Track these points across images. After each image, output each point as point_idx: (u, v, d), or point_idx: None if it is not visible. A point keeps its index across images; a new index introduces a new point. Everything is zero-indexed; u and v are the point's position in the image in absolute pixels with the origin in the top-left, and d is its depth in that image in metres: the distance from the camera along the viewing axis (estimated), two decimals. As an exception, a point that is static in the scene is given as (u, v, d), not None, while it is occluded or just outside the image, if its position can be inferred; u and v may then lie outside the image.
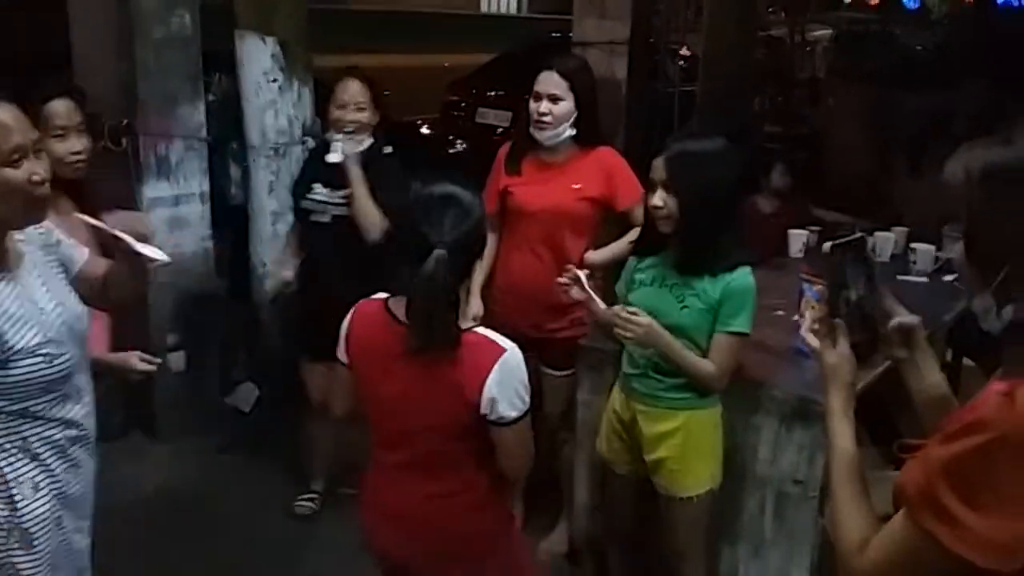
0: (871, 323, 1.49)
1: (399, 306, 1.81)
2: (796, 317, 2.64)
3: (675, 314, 2.26)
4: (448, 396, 1.78)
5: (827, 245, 1.45)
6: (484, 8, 23.85)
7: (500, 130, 8.41)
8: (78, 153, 2.51)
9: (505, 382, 1.76)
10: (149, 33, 3.69)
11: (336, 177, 3.04)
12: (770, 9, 11.76)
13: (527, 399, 1.81)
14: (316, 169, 3.16)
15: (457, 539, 1.92)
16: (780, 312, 2.93)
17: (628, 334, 2.22)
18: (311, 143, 4.14)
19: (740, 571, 2.58)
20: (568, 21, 6.96)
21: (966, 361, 3.83)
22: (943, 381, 1.53)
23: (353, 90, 3.08)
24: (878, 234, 3.79)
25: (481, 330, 1.81)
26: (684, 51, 8.21)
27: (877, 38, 9.85)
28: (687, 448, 2.34)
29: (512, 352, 1.78)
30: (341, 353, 1.93)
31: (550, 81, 2.80)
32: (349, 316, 1.92)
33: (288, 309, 3.77)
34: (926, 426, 1.50)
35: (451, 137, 7.55)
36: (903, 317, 1.51)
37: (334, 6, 13.62)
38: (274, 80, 3.98)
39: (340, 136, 3.03)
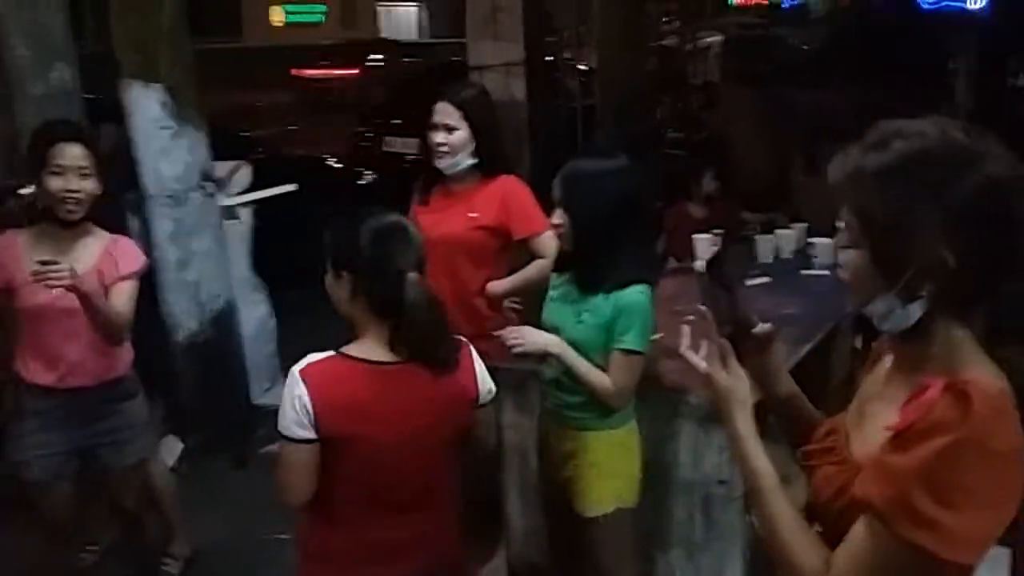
0: (742, 333, 1.47)
1: (375, 349, 1.79)
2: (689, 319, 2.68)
3: (572, 328, 2.29)
4: (457, 404, 1.88)
5: (698, 264, 1.44)
6: (384, 35, 23.85)
7: (410, 157, 8.40)
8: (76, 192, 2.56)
9: (483, 365, 1.94)
10: (28, 90, 3.58)
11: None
12: (665, 20, 12.04)
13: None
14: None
15: (453, 556, 2.00)
16: (690, 318, 2.98)
17: (516, 345, 2.30)
18: (209, 187, 4.07)
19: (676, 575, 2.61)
20: (464, 45, 7.03)
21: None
22: (791, 380, 1.55)
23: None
24: (779, 231, 3.90)
25: None
26: (582, 66, 8.36)
27: (763, 41, 10.18)
28: (588, 467, 2.33)
29: (466, 341, 1.94)
30: (302, 430, 1.75)
31: (444, 111, 2.80)
32: (303, 387, 1.74)
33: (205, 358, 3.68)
34: (780, 422, 1.52)
35: (359, 169, 7.49)
36: (763, 327, 1.50)
37: (226, 44, 13.44)
38: (165, 127, 3.89)
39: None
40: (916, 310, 1.17)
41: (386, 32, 25.34)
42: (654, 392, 2.56)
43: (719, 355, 1.37)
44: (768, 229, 3.99)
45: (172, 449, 4.13)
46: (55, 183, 2.55)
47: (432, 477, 1.91)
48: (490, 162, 2.87)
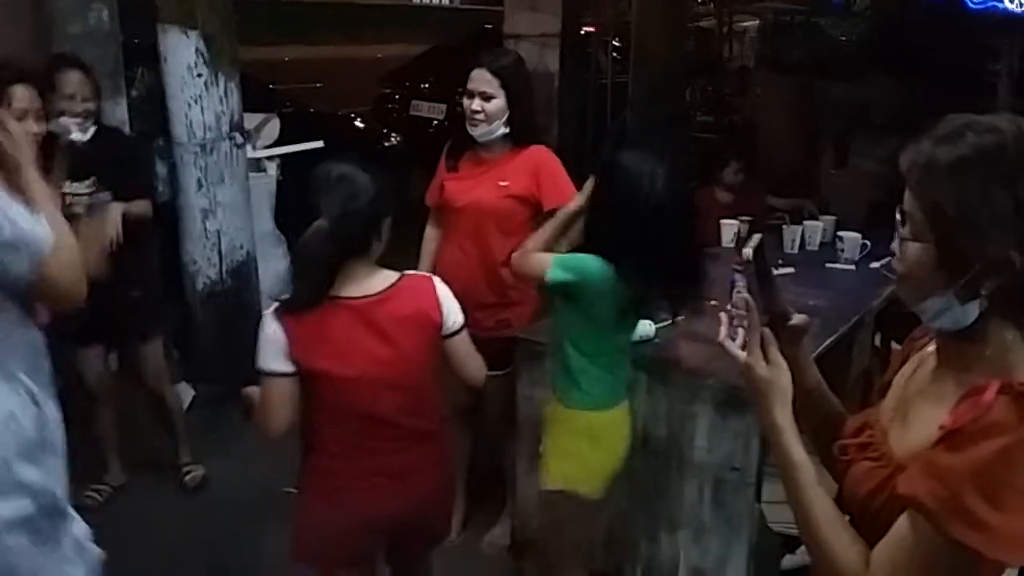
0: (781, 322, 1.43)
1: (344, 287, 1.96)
2: (728, 307, 2.67)
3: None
4: (419, 327, 2.02)
5: (746, 251, 1.36)
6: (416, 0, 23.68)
7: (434, 123, 8.37)
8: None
9: (448, 298, 2.07)
10: (66, 28, 3.57)
11: (79, 168, 2.99)
12: (700, 1, 11.90)
13: (461, 311, 2.10)
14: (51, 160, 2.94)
15: (438, 481, 2.17)
16: (714, 302, 2.97)
17: None
18: (239, 139, 4.07)
19: (681, 557, 2.61)
20: (500, 13, 6.96)
21: (895, 345, 3.94)
22: (818, 372, 1.53)
23: (76, 80, 3.01)
24: (807, 223, 3.87)
25: (407, 272, 2.08)
26: (616, 42, 8.28)
27: (802, 28, 10.04)
28: (546, 440, 2.36)
29: (434, 277, 2.11)
30: (276, 363, 1.93)
31: (482, 79, 2.78)
32: (278, 325, 1.92)
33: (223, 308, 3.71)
34: (803, 413, 1.46)
35: (385, 130, 7.48)
36: (798, 318, 1.47)
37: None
38: (199, 75, 3.88)
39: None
40: (974, 309, 1.15)
41: (419, -4, 25.16)
42: (673, 375, 2.56)
43: (760, 345, 1.34)
44: (796, 219, 3.95)
45: (183, 395, 4.17)
46: None
47: (412, 408, 2.06)
48: (522, 132, 2.85)
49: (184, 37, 3.84)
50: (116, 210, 2.98)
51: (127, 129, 3.80)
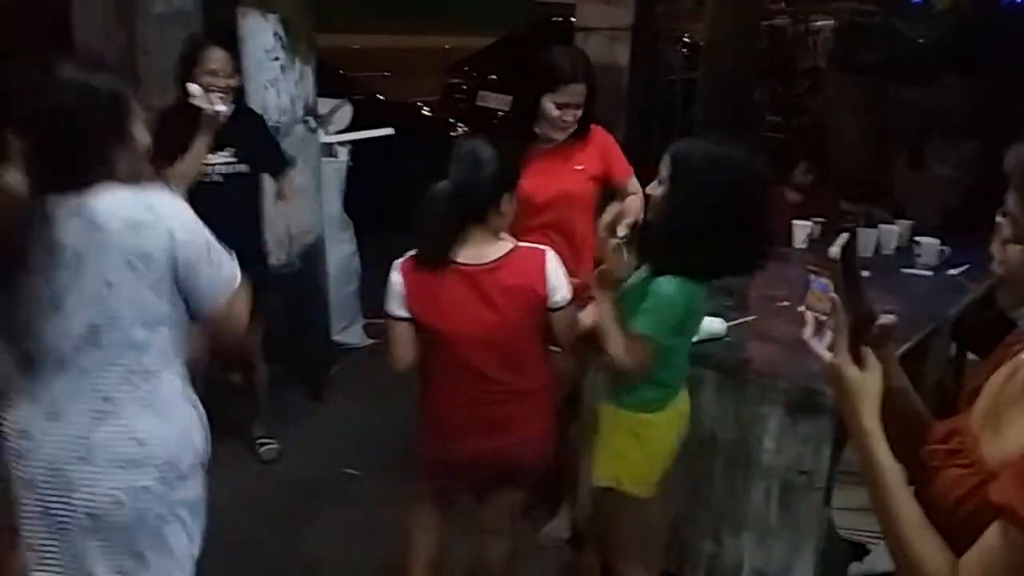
0: (869, 324, 1.38)
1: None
2: (801, 308, 2.62)
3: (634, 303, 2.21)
4: (524, 298, 2.19)
5: (834, 250, 1.31)
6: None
7: (500, 114, 8.37)
8: None
9: (556, 273, 2.21)
10: (150, 8, 3.65)
11: (223, 136, 3.19)
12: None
13: (570, 285, 2.25)
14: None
15: (540, 422, 2.34)
16: (785, 303, 2.92)
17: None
18: (312, 123, 4.12)
19: (744, 559, 2.58)
20: (568, 5, 6.94)
21: (970, 356, 3.84)
22: (904, 376, 1.48)
23: (220, 57, 3.21)
24: (882, 227, 3.79)
25: (521, 243, 2.25)
26: (686, 39, 8.19)
27: (878, 30, 9.81)
28: (597, 436, 2.34)
29: (550, 250, 2.25)
30: (397, 309, 2.21)
31: (577, 91, 2.80)
32: (400, 276, 2.20)
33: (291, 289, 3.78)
34: (887, 417, 1.46)
35: (451, 120, 7.51)
36: (886, 318, 1.42)
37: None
38: (276, 58, 3.93)
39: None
40: None
41: (487, -13, 25.19)
42: (743, 374, 2.52)
43: (849, 346, 1.30)
44: (869, 223, 3.87)
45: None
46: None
47: (512, 368, 2.25)
48: (586, 121, 2.91)
49: (263, 20, 3.89)
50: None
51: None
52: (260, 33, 3.89)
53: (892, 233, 3.77)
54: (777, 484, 2.48)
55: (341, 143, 4.63)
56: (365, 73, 9.43)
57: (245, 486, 3.41)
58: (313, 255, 4.23)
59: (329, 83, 4.92)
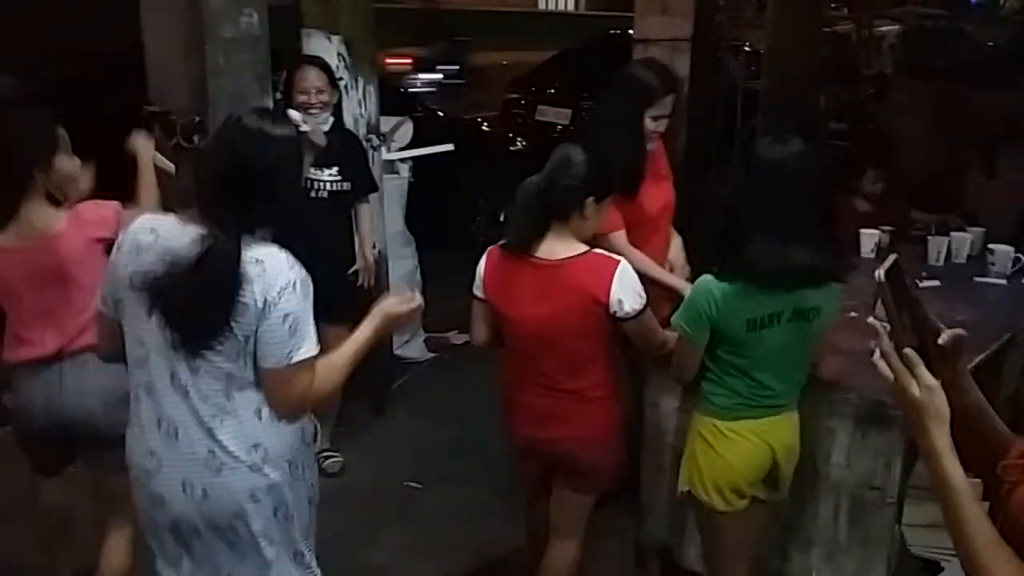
0: (936, 333, 1.34)
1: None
2: (870, 319, 2.57)
3: None
4: (580, 300, 2.28)
5: (879, 274, 1.27)
6: (541, 6, 23.82)
7: (559, 127, 8.39)
8: None
9: (624, 285, 2.28)
10: (219, 33, 3.73)
11: (321, 156, 3.37)
12: (833, 6, 11.51)
13: (644, 296, 2.33)
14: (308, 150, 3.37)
15: (593, 426, 2.42)
16: (853, 314, 2.86)
17: None
18: (375, 140, 4.18)
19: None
20: (625, 18, 6.91)
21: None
22: (978, 391, 1.42)
23: (313, 76, 3.39)
24: (954, 234, 3.69)
25: (597, 250, 2.34)
26: (746, 48, 8.10)
27: (946, 34, 9.59)
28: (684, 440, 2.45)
29: (624, 262, 2.33)
30: (477, 290, 2.43)
31: (668, 103, 2.93)
32: (485, 260, 2.42)
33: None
34: (963, 434, 1.41)
35: (511, 135, 7.54)
36: (953, 332, 1.36)
37: (395, 5, 13.77)
38: (340, 78, 4.00)
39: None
40: None
41: (543, 2, 25.28)
42: (811, 386, 2.48)
43: (909, 367, 1.26)
44: (942, 231, 3.76)
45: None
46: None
47: (566, 367, 2.36)
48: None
49: (327, 42, 3.97)
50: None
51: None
52: (324, 54, 3.97)
53: (964, 241, 3.66)
54: (847, 499, 2.43)
55: (403, 160, 4.70)
56: (426, 89, 9.54)
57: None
58: (376, 270, 4.28)
59: (392, 101, 5.00)
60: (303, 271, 1.88)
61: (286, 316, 1.83)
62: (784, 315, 2.21)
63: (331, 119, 3.46)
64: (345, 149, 3.53)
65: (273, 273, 1.83)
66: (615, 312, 2.28)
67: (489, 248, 2.46)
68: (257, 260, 1.82)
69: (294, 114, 3.18)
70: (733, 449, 2.29)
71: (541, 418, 2.42)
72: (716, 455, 2.30)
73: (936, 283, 3.31)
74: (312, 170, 3.37)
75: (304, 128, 3.17)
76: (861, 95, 8.63)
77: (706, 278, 2.25)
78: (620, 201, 2.84)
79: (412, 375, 4.63)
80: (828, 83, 7.80)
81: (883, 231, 3.69)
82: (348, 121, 4.05)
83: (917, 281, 3.24)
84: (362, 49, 4.04)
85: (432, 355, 4.86)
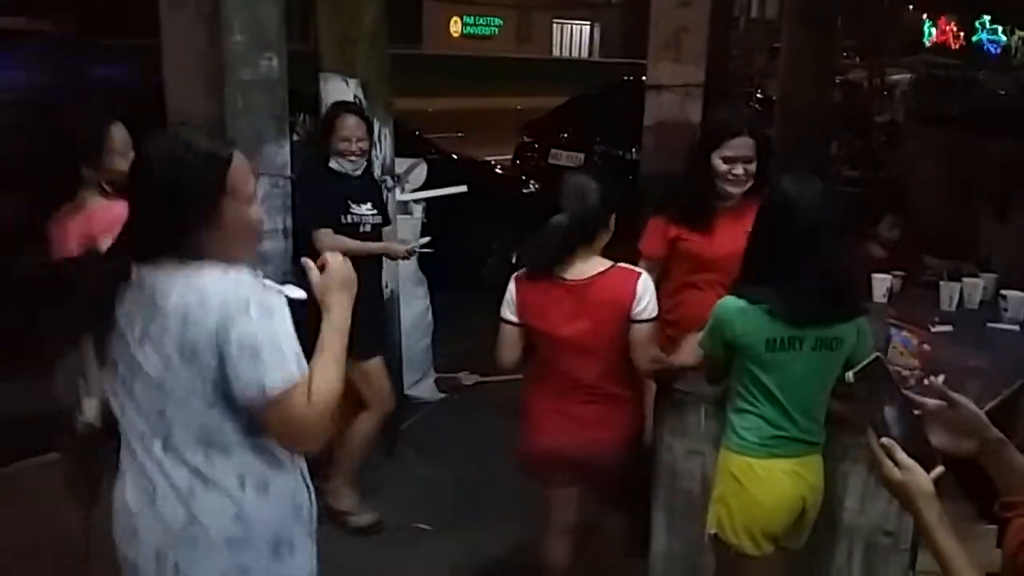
0: (918, 435, 1.37)
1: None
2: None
3: None
4: (612, 311, 2.50)
5: (850, 375, 1.35)
6: (555, 52, 24.16)
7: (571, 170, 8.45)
8: None
9: (647, 292, 2.50)
10: (238, 75, 3.80)
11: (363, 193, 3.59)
12: (844, 54, 11.63)
13: (656, 309, 2.53)
14: (347, 189, 3.56)
15: (628, 425, 2.62)
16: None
17: None
18: (389, 181, 4.23)
19: (826, 624, 2.49)
20: (637, 64, 7.01)
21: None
22: (994, 429, 1.43)
23: (353, 124, 3.55)
24: (967, 280, 3.68)
25: (620, 264, 2.54)
26: (759, 95, 8.18)
27: (958, 82, 9.67)
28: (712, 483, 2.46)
29: (644, 273, 2.56)
30: (509, 314, 2.58)
31: (746, 144, 2.91)
32: (515, 286, 2.58)
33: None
34: (990, 471, 1.41)
35: (524, 177, 7.61)
36: (930, 402, 1.42)
37: (410, 51, 13.99)
38: (357, 120, 4.07)
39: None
40: None
41: (558, 48, 25.65)
42: (826, 429, 2.46)
43: (888, 453, 1.32)
44: (954, 276, 3.76)
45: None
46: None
47: (601, 372, 2.55)
48: (758, 183, 2.97)
49: (343, 85, 4.04)
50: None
51: (288, 171, 3.99)
52: (340, 96, 4.04)
53: (977, 287, 3.66)
54: (860, 544, 2.40)
55: (416, 201, 4.74)
56: (441, 134, 9.65)
57: (317, 539, 3.44)
58: (388, 310, 4.30)
59: (406, 144, 5.06)
60: (264, 291, 1.64)
61: (242, 343, 1.57)
62: (806, 342, 2.25)
63: (364, 164, 3.63)
64: (371, 185, 3.74)
65: (218, 299, 1.59)
66: (635, 315, 2.49)
67: (514, 276, 2.61)
68: (200, 292, 1.60)
69: (341, 161, 3.51)
70: (767, 489, 2.29)
71: (585, 424, 2.57)
72: (749, 496, 2.29)
73: (948, 328, 3.29)
74: (352, 206, 3.55)
75: (350, 171, 3.52)
76: (873, 142, 8.69)
77: (728, 298, 2.34)
78: (686, 235, 3.00)
79: (422, 416, 4.61)
80: (840, 130, 7.86)
81: (895, 276, 3.69)
82: (364, 162, 4.11)
83: (930, 326, 3.23)
84: (378, 92, 4.10)
85: (443, 395, 4.85)
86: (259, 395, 1.59)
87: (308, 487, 1.83)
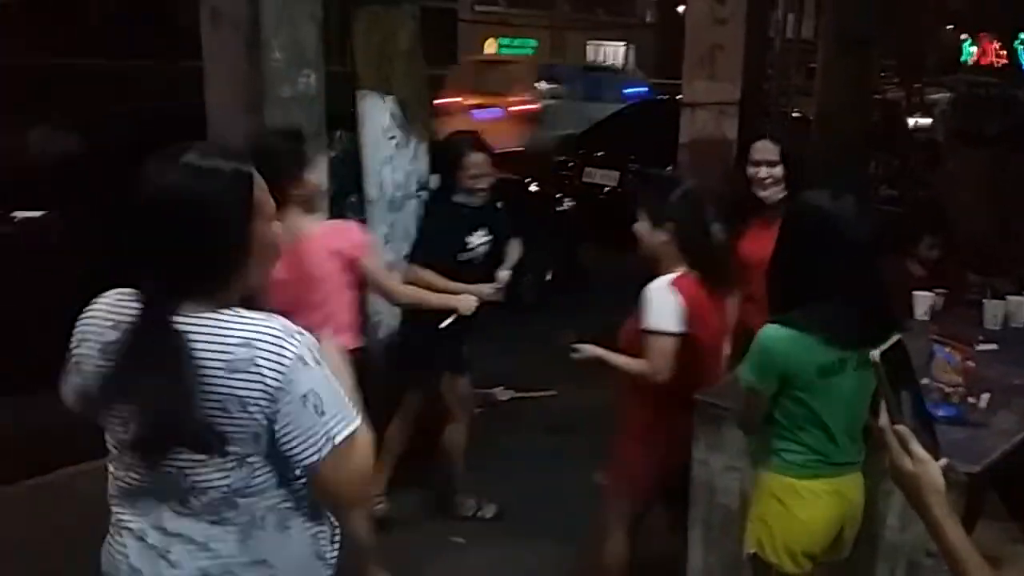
0: (928, 424, 1.35)
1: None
2: (924, 380, 2.53)
3: None
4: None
5: (875, 353, 1.29)
6: (589, 72, 24.12)
7: (606, 189, 8.45)
8: None
9: None
10: (277, 92, 3.86)
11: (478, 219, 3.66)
12: (883, 74, 11.54)
13: None
14: (467, 221, 3.64)
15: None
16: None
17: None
18: (425, 196, 4.26)
19: (867, 646, 2.43)
20: (672, 84, 7.02)
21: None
22: None
23: (479, 160, 3.62)
24: (1011, 298, 3.62)
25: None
26: (795, 114, 8.14)
27: (998, 101, 9.54)
28: (750, 501, 2.40)
29: None
30: (674, 325, 2.55)
31: (767, 148, 3.15)
32: (680, 295, 2.56)
33: (401, 357, 3.88)
34: None
35: (558, 195, 7.62)
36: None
37: (443, 72, 14.14)
38: (392, 137, 4.11)
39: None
40: None
41: (592, 69, 25.66)
42: (868, 447, 2.42)
43: (902, 442, 1.29)
44: (996, 294, 3.70)
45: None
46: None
47: (713, 376, 2.70)
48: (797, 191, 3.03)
49: (380, 102, 4.09)
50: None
51: (324, 186, 4.03)
52: (378, 113, 4.09)
53: (1021, 305, 3.59)
54: (904, 564, 2.35)
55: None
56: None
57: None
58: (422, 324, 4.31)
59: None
60: (306, 336, 1.48)
61: (305, 397, 1.43)
62: (850, 362, 2.19)
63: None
64: (492, 217, 3.75)
65: (272, 352, 1.43)
66: None
67: (674, 280, 2.59)
68: (245, 341, 1.43)
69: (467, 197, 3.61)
70: (809, 509, 2.24)
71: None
72: (791, 516, 2.24)
73: (994, 347, 3.24)
74: (468, 239, 3.61)
75: (474, 204, 3.61)
76: (912, 161, 8.60)
77: (772, 327, 2.20)
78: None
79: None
80: (878, 149, 7.79)
81: (937, 294, 3.63)
82: (399, 178, 4.14)
83: (974, 344, 3.17)
84: (414, 110, 4.14)
85: (479, 411, 4.84)
86: (325, 448, 1.46)
87: (331, 543, 1.67)
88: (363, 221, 4.23)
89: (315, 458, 1.46)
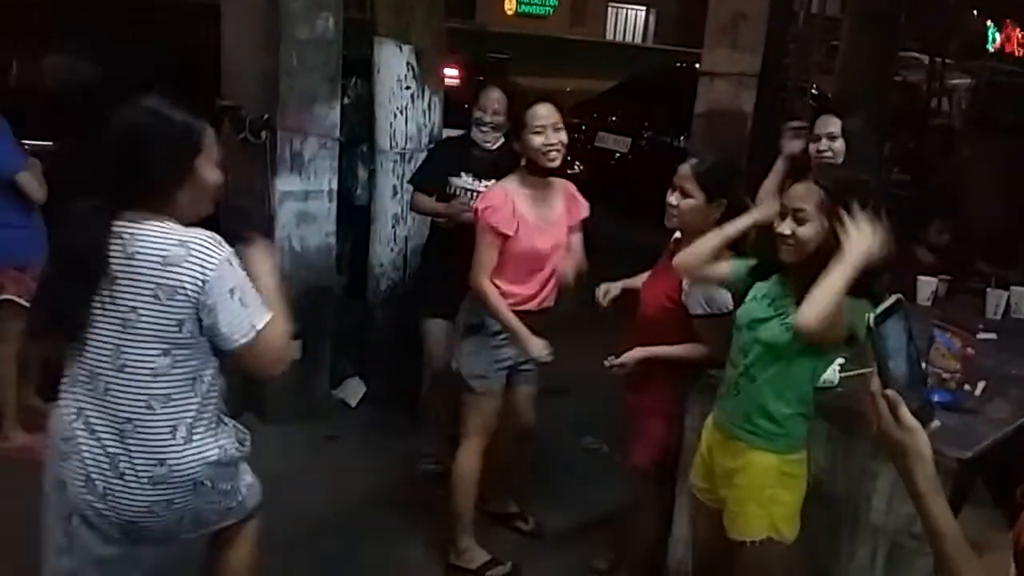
0: (920, 390, 1.32)
1: None
2: (924, 365, 2.54)
3: (772, 330, 2.25)
4: None
5: (870, 317, 1.25)
6: (609, 36, 23.93)
7: (617, 155, 8.40)
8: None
9: None
10: (294, 33, 3.83)
11: (483, 169, 3.51)
12: (906, 53, 11.39)
13: None
14: (464, 160, 3.56)
15: None
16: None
17: None
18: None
19: (844, 622, 2.47)
20: (690, 53, 6.92)
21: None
22: None
23: (494, 96, 3.54)
24: (1014, 288, 3.61)
25: None
26: (814, 91, 8.04)
27: (1020, 89, 9.44)
28: (744, 489, 2.29)
29: None
30: (727, 304, 2.54)
31: (831, 122, 3.34)
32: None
33: (402, 309, 3.88)
34: None
35: (568, 158, 7.57)
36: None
37: (468, 26, 13.98)
38: (407, 87, 4.09)
39: None
40: None
41: (611, 32, 25.41)
42: (856, 427, 2.44)
43: (891, 408, 1.25)
44: (1001, 283, 3.69)
45: (356, 390, 4.35)
46: (536, 140, 3.00)
47: None
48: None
49: (398, 51, 4.05)
50: None
51: (337, 132, 4.01)
52: (394, 62, 4.05)
53: (1023, 295, 3.58)
54: (885, 545, 2.37)
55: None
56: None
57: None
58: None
59: (455, 116, 5.06)
60: (229, 248, 1.90)
61: (232, 291, 1.86)
62: None
63: (502, 139, 3.51)
64: (507, 163, 3.49)
65: (203, 252, 1.85)
66: None
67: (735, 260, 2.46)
68: (181, 242, 1.85)
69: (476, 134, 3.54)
70: (804, 474, 2.34)
71: None
72: (798, 486, 2.31)
73: (993, 336, 3.24)
74: (470, 180, 3.54)
75: (486, 144, 3.54)
76: (927, 146, 8.52)
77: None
78: None
79: (445, 385, 4.63)
80: (895, 131, 7.71)
81: (941, 279, 3.63)
82: (411, 130, 4.11)
83: (975, 333, 3.18)
84: (431, 61, 4.10)
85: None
86: (250, 333, 1.89)
87: (238, 446, 2.13)
88: (372, 171, 4.23)
89: (243, 341, 1.89)
